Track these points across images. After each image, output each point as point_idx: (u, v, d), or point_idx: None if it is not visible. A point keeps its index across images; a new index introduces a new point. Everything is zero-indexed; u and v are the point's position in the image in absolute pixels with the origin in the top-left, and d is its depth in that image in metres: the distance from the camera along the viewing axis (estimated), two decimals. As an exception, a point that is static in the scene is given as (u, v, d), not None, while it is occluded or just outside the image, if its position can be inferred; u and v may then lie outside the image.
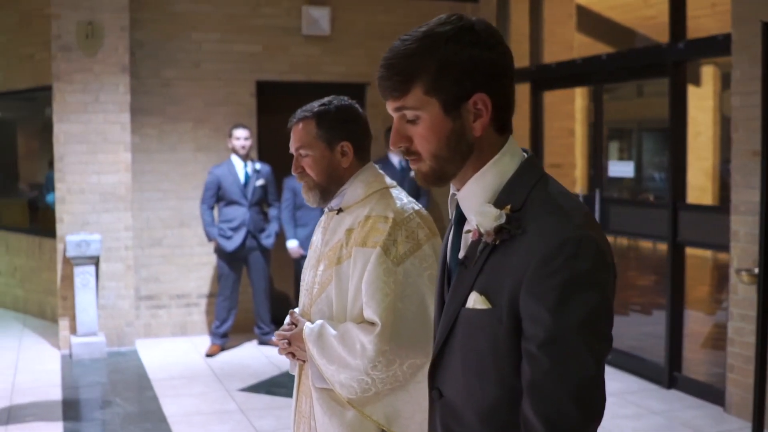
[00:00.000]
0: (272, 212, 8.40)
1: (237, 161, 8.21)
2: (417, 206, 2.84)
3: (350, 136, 2.88)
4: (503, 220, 1.72)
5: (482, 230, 1.74)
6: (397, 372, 2.67)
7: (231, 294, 8.29)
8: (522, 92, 9.07)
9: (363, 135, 2.94)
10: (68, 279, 8.36)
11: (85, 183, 8.34)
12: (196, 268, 9.07)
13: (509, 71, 1.81)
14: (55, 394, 7.03)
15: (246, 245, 8.18)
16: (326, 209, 2.98)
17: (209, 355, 8.20)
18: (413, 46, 1.76)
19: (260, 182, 8.23)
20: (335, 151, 2.87)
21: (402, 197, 2.85)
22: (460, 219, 1.90)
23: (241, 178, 8.16)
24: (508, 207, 1.74)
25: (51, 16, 8.30)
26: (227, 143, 8.43)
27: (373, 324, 2.66)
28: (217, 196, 8.19)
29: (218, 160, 8.79)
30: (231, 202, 8.15)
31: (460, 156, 1.80)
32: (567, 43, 9.16)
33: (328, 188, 2.90)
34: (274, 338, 2.99)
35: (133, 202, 8.65)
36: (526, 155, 1.86)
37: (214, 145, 9.01)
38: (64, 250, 8.27)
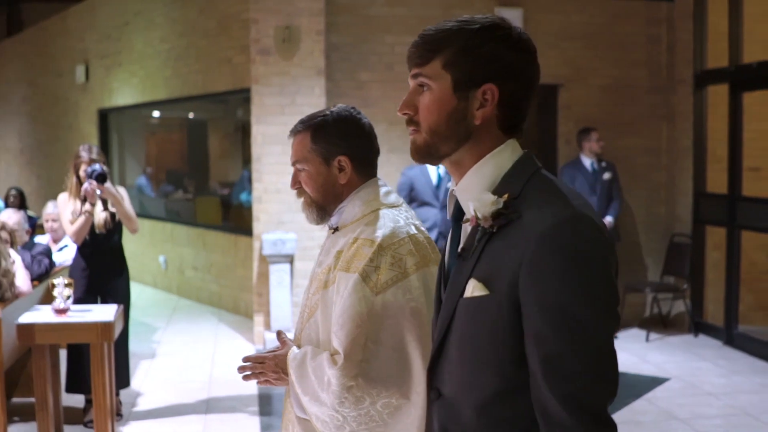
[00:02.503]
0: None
1: (429, 162, 8.24)
2: (415, 230, 2.61)
3: (349, 151, 2.64)
4: (500, 205, 1.75)
5: (480, 215, 1.77)
6: (371, 411, 2.42)
7: (421, 295, 8.30)
8: (720, 93, 8.77)
9: (365, 148, 2.70)
10: (263, 276, 8.60)
11: (281, 183, 8.54)
12: (387, 268, 9.12)
13: (528, 80, 1.85)
14: (251, 387, 7.24)
15: (437, 246, 8.18)
16: (328, 227, 2.75)
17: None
18: (449, 26, 1.86)
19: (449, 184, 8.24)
20: (332, 167, 2.64)
21: (400, 219, 2.60)
22: (458, 214, 1.92)
23: (434, 179, 8.19)
24: (506, 195, 1.77)
25: (250, 20, 8.56)
26: (418, 145, 8.47)
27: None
28: (410, 197, 8.25)
29: (410, 161, 8.80)
30: (423, 204, 8.18)
31: (456, 138, 1.85)
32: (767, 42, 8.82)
33: (325, 206, 2.68)
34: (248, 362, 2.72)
35: (327, 203, 8.79)
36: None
37: (407, 147, 8.95)
38: (260, 248, 8.51)
